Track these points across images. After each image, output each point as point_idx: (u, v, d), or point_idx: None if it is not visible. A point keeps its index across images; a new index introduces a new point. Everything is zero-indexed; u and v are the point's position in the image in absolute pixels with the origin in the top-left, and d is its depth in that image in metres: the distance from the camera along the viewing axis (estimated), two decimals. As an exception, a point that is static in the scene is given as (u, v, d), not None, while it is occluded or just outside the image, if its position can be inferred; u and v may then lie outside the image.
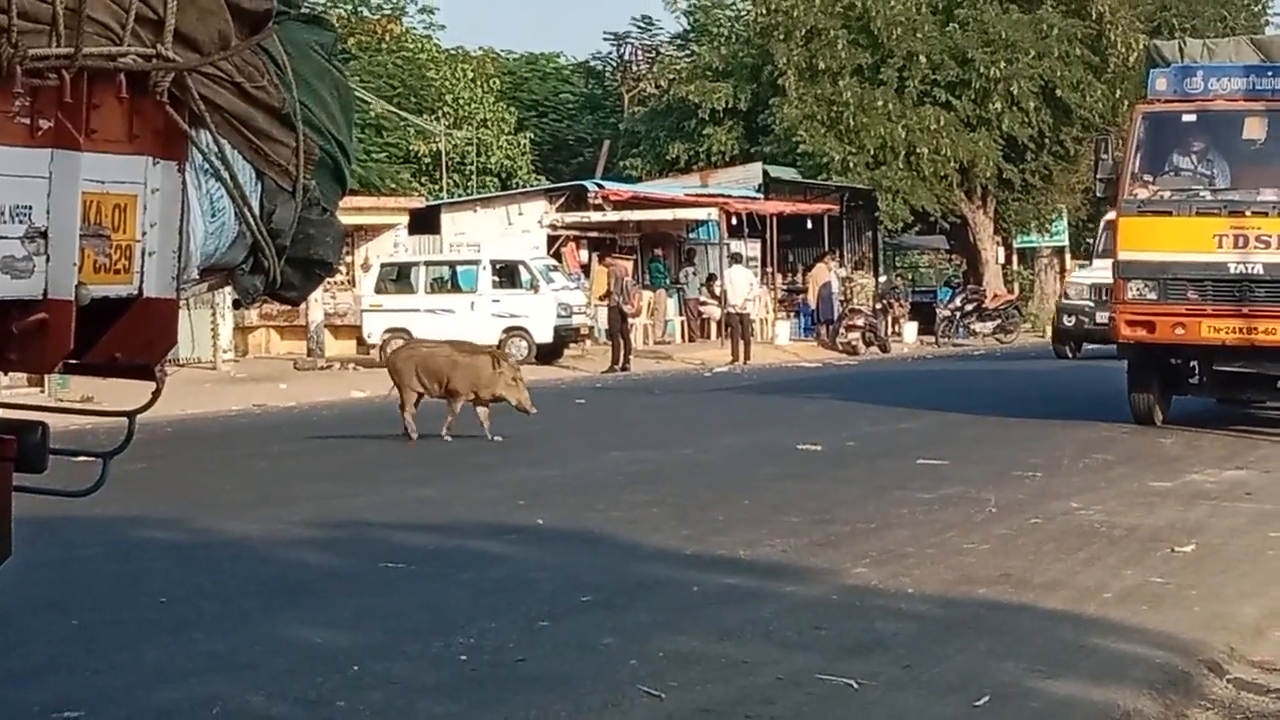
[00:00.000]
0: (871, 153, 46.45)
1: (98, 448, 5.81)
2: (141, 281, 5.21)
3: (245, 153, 5.54)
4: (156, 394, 5.59)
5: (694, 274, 41.97)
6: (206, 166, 5.39)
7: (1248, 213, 17.77)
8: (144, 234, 5.19)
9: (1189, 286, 17.99)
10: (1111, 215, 34.51)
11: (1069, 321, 33.50)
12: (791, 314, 42.72)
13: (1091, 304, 31.98)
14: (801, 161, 47.08)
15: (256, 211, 5.63)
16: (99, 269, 5.04)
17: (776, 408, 22.81)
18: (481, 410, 17.55)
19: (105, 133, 5.00)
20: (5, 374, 5.81)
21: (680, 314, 41.05)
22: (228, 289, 5.99)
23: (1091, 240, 40.13)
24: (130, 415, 5.74)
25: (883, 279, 46.77)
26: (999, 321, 43.59)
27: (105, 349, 5.33)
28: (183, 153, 5.27)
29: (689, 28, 57.80)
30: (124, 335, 5.31)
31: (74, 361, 5.30)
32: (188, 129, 5.26)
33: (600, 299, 35.36)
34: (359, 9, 53.64)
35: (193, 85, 5.24)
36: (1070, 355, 34.09)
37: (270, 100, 5.58)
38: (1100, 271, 33.14)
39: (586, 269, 38.41)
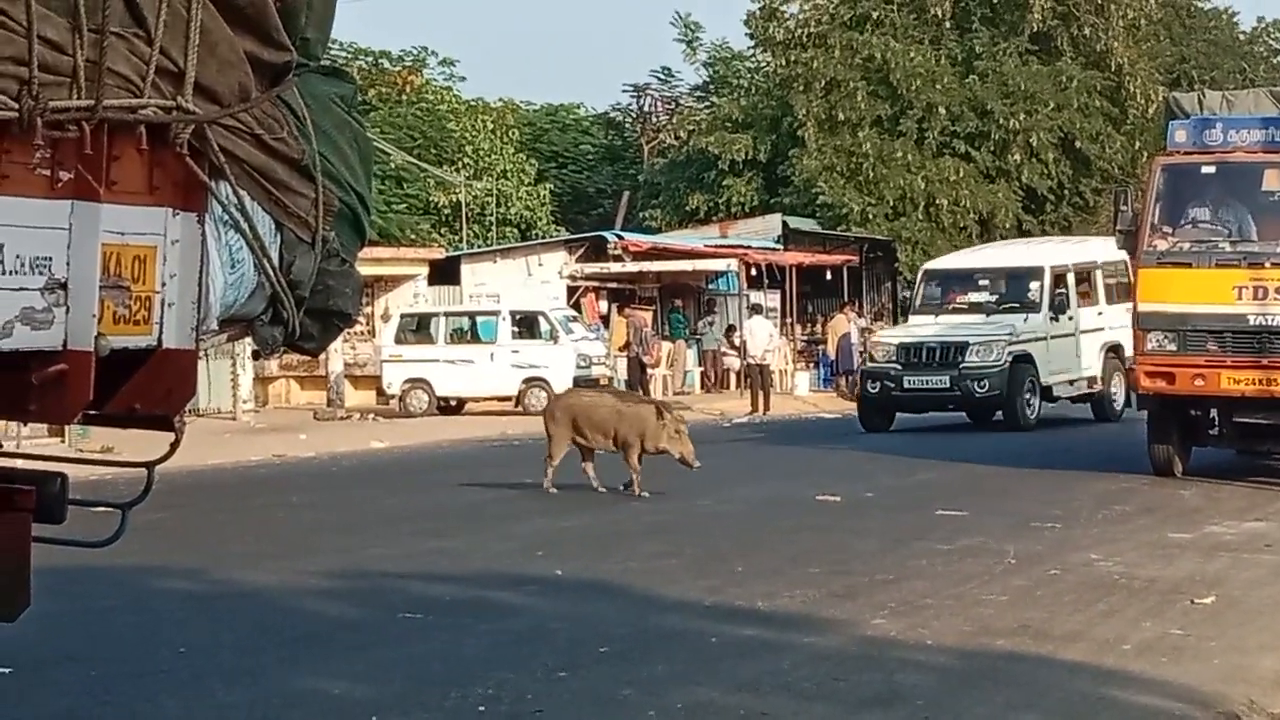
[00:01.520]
0: (891, 204, 46.53)
1: (117, 498, 5.82)
2: (161, 333, 5.22)
3: (265, 204, 5.55)
4: (175, 444, 5.60)
5: (713, 325, 41.97)
6: (226, 218, 5.40)
7: (1267, 264, 17.75)
8: (163, 285, 5.20)
9: (1208, 338, 17.97)
10: (931, 264, 32.63)
11: (874, 388, 27.59)
12: (811, 365, 42.65)
13: (900, 367, 27.34)
14: (821, 212, 47.13)
15: (276, 263, 5.64)
16: (118, 320, 5.05)
17: (795, 459, 22.77)
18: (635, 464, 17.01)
19: (125, 184, 5.01)
20: (25, 424, 5.83)
21: (699, 365, 41.03)
22: (247, 340, 6.01)
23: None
24: (149, 466, 5.75)
25: (902, 330, 46.65)
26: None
27: (124, 400, 5.33)
28: (202, 204, 5.28)
29: (708, 79, 57.98)
30: (143, 386, 5.31)
31: (93, 412, 5.31)
32: (207, 181, 5.28)
33: (620, 350, 35.37)
34: (380, 61, 53.91)
35: (212, 137, 5.26)
36: (882, 428, 27.42)
37: (290, 152, 5.60)
38: (916, 328, 28.55)
39: (606, 320, 38.43)
